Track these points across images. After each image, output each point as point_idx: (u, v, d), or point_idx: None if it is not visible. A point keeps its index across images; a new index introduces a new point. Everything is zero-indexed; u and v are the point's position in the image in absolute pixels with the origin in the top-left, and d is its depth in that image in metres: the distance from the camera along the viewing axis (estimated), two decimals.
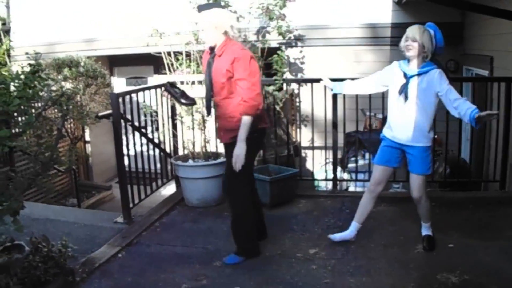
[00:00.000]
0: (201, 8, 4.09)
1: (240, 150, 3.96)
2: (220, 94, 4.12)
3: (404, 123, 4.12)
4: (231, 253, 4.34)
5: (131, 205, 5.42)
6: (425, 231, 4.39)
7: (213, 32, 4.03)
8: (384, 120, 7.00)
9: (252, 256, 4.33)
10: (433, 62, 4.04)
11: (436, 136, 6.34)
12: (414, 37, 3.99)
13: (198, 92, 5.95)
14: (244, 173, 4.10)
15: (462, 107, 3.86)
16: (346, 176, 7.67)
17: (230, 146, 4.12)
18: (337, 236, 4.55)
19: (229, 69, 3.97)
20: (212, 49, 4.15)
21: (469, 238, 4.48)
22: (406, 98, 4.04)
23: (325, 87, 5.77)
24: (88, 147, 10.54)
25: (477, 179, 6.45)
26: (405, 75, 4.07)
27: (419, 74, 4.02)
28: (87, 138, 10.44)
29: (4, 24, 9.49)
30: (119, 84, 10.76)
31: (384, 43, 8.10)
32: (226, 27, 4.02)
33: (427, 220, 4.39)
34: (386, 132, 4.33)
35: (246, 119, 3.96)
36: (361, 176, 7.06)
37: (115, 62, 10.60)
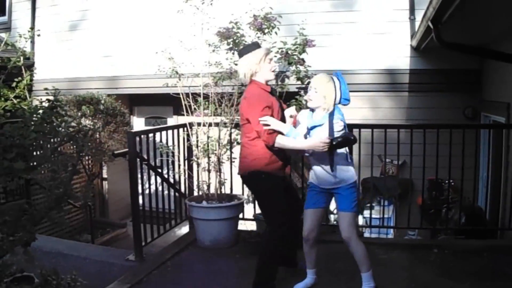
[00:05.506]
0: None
1: None
2: None
3: (323, 170, 4.06)
4: None
5: (143, 243, 5.44)
6: (365, 284, 4.07)
7: None
8: (400, 166, 7.02)
9: None
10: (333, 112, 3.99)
11: (452, 183, 6.33)
12: (316, 88, 3.98)
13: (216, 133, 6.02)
14: None
15: None
16: (361, 221, 7.59)
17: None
18: (300, 286, 4.37)
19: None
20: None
21: (482, 287, 4.39)
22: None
23: None
24: (105, 184, 10.60)
25: (493, 227, 6.36)
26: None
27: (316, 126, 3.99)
28: (105, 175, 10.52)
29: (28, 58, 9.67)
30: (138, 123, 10.88)
31: (402, 89, 8.09)
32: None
33: (365, 268, 4.08)
34: (312, 179, 4.22)
35: None
36: (376, 222, 6.99)
37: (135, 101, 10.74)
